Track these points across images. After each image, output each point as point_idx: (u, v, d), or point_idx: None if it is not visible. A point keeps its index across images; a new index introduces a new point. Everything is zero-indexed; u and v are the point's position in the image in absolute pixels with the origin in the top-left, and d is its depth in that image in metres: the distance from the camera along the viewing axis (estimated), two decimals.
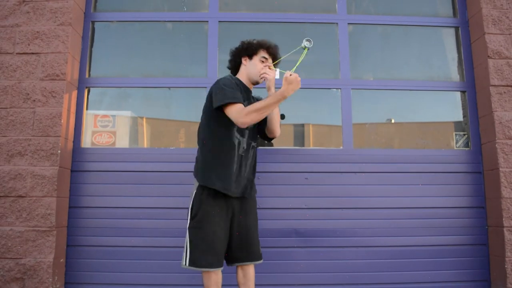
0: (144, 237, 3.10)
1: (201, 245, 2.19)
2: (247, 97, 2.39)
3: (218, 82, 2.30)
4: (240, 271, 2.33)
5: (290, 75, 2.13)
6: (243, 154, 2.31)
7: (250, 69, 2.41)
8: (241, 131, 2.31)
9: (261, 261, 2.35)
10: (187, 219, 2.28)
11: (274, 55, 2.43)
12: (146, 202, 3.14)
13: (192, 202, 2.27)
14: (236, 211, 2.30)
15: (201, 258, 2.17)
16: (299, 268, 3.10)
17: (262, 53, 2.40)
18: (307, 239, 3.14)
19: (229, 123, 2.24)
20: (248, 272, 2.33)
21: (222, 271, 2.27)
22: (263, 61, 2.40)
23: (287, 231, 3.15)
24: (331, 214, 3.17)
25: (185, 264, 2.21)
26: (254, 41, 2.43)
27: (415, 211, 3.20)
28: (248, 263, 2.31)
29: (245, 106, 2.22)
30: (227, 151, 2.27)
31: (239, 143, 2.30)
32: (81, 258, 3.08)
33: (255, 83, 2.44)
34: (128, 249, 3.09)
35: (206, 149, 2.31)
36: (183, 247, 2.25)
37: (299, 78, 2.15)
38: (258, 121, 2.19)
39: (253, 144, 2.39)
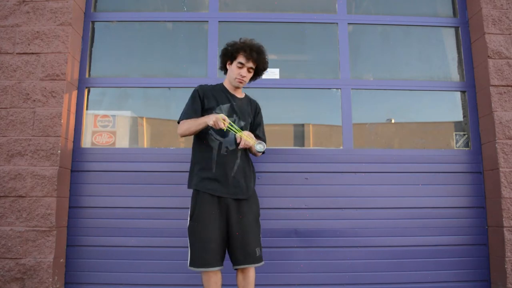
0: (143, 237, 3.10)
1: (198, 245, 2.21)
2: (223, 97, 2.43)
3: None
4: (240, 274, 2.30)
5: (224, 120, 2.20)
6: (226, 153, 2.33)
7: (230, 74, 2.46)
8: (221, 133, 2.34)
9: (259, 264, 2.29)
10: (188, 220, 2.31)
11: (252, 59, 2.38)
12: (146, 202, 3.14)
13: (190, 202, 2.33)
14: (233, 211, 2.29)
15: (199, 258, 2.19)
16: (299, 268, 3.10)
17: (240, 58, 2.39)
18: (307, 239, 3.14)
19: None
20: (248, 276, 2.29)
21: (222, 271, 2.27)
22: (239, 67, 2.40)
23: (287, 231, 3.14)
24: (331, 214, 3.17)
25: (188, 265, 2.23)
26: (236, 45, 2.41)
27: (415, 211, 3.20)
28: (245, 266, 2.26)
29: (222, 109, 2.38)
30: (206, 153, 2.34)
31: (219, 144, 2.34)
32: (81, 258, 3.08)
33: (235, 87, 2.48)
34: (128, 249, 3.09)
35: (193, 153, 2.43)
36: (187, 247, 2.29)
37: (220, 121, 2.18)
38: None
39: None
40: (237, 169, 2.34)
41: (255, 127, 2.56)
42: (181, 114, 2.41)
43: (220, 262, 2.23)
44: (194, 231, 2.25)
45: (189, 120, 2.33)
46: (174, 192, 3.13)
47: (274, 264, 3.05)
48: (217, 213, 2.26)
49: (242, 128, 2.38)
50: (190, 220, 2.29)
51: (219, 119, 2.17)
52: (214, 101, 2.40)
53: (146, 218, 3.12)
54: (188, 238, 2.27)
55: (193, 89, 2.44)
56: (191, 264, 2.22)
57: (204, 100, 2.40)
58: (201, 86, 2.47)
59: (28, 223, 2.91)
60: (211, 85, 2.52)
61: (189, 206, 2.33)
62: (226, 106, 2.41)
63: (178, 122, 2.40)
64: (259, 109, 2.61)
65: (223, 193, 2.29)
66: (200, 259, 2.19)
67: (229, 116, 2.36)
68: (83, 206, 3.14)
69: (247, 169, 2.42)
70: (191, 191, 2.37)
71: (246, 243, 2.26)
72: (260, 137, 2.54)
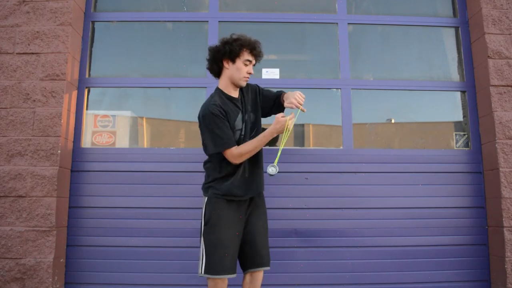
0: (143, 237, 3.10)
1: (216, 252, 2.13)
2: (233, 109, 2.27)
3: (204, 115, 2.19)
4: (248, 277, 2.26)
5: (282, 117, 2.17)
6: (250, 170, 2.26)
7: (234, 73, 2.27)
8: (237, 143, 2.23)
9: (268, 268, 2.27)
10: (201, 225, 2.21)
11: (257, 54, 2.31)
12: (145, 202, 3.14)
13: (205, 207, 2.22)
14: (248, 215, 2.26)
15: (217, 265, 2.11)
16: (299, 268, 3.10)
17: (246, 56, 2.26)
18: (307, 239, 3.14)
19: None
20: (257, 279, 2.26)
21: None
22: (246, 64, 2.28)
23: (287, 231, 3.14)
24: (331, 214, 3.17)
25: (201, 272, 2.13)
26: (236, 42, 2.25)
27: (415, 211, 3.20)
28: (258, 269, 2.24)
29: (232, 123, 2.22)
30: (232, 170, 2.22)
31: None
32: (81, 258, 3.08)
33: (239, 86, 2.32)
34: (128, 249, 3.09)
35: (213, 166, 2.26)
36: (199, 250, 2.18)
37: (286, 123, 2.16)
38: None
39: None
40: (249, 167, 2.27)
41: (268, 97, 2.41)
42: (219, 142, 2.16)
43: (235, 269, 2.18)
44: (212, 237, 2.15)
45: (248, 145, 2.17)
46: (174, 192, 3.13)
47: (274, 264, 3.02)
48: (236, 217, 2.20)
49: (256, 121, 2.35)
50: (206, 225, 2.18)
51: (286, 124, 2.15)
52: (232, 118, 2.25)
53: (146, 218, 3.12)
54: (202, 244, 2.17)
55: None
56: (208, 271, 2.11)
57: (229, 121, 2.22)
58: (215, 105, 2.19)
59: (28, 223, 2.91)
60: (217, 98, 2.26)
61: (203, 211, 2.22)
62: (239, 118, 2.29)
63: (218, 152, 2.17)
64: (259, 89, 2.44)
65: (245, 197, 2.24)
66: (220, 266, 2.11)
67: (238, 126, 2.27)
68: (83, 206, 3.14)
69: (258, 163, 2.34)
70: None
71: (263, 246, 2.26)
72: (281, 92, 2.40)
